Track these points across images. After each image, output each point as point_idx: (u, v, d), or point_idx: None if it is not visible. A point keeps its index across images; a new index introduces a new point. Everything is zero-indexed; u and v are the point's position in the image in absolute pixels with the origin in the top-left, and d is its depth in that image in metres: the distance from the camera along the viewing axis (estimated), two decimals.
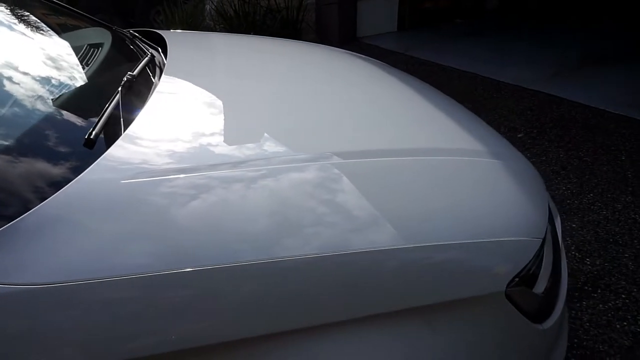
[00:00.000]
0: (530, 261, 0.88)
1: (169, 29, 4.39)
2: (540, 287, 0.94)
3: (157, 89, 1.14)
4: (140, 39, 1.62)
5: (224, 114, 1.11)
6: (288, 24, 4.71)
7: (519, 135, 2.89)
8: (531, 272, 0.90)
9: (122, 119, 0.97)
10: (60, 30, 1.41)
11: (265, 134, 1.05)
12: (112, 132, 0.93)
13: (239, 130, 1.05)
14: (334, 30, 4.88)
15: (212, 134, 1.00)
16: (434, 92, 1.66)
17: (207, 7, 4.63)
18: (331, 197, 0.84)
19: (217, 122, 1.07)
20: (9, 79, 0.96)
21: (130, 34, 1.67)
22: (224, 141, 0.97)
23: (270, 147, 0.98)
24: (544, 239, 0.93)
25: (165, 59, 1.41)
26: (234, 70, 1.44)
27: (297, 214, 0.79)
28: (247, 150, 0.96)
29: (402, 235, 0.79)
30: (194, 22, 4.36)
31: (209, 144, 0.96)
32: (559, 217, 1.24)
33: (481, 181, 1.00)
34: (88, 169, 0.78)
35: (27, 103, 0.93)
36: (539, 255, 0.93)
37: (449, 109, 1.44)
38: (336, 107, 1.26)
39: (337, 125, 1.14)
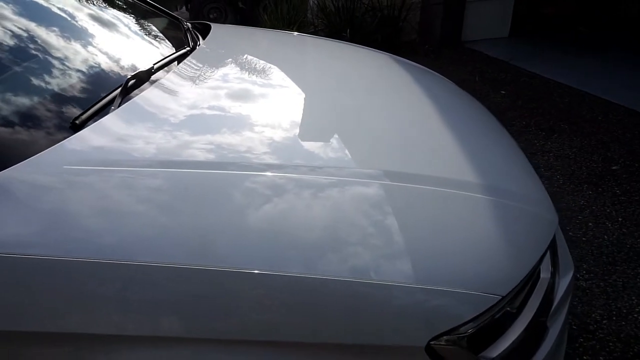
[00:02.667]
0: (475, 318, 0.76)
1: (273, 22, 4.58)
2: (496, 350, 0.81)
3: (160, 81, 1.20)
4: (192, 31, 1.71)
5: (213, 112, 1.13)
6: (388, 23, 4.61)
7: (613, 168, 2.49)
8: (482, 330, 0.78)
9: (112, 107, 1.04)
10: (118, 19, 1.55)
11: (255, 134, 1.04)
12: (94, 119, 1.00)
13: (220, 132, 1.05)
14: (435, 32, 4.67)
15: (194, 132, 1.03)
16: (481, 114, 1.51)
17: (310, 1, 4.72)
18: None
19: (204, 119, 1.10)
20: (38, 51, 1.09)
21: (186, 25, 1.78)
22: (194, 141, 0.99)
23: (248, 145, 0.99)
24: (506, 298, 0.79)
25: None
26: (259, 69, 1.45)
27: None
28: (226, 150, 0.97)
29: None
30: (294, 17, 4.48)
31: (187, 141, 0.99)
32: (572, 273, 1.05)
33: (454, 218, 0.89)
34: (44, 151, 0.85)
35: (37, 77, 1.04)
36: (499, 314, 0.80)
37: (484, 135, 1.30)
38: (372, 117, 1.24)
39: (381, 139, 1.14)
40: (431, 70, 1.91)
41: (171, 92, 1.19)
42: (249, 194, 0.85)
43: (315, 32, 4.64)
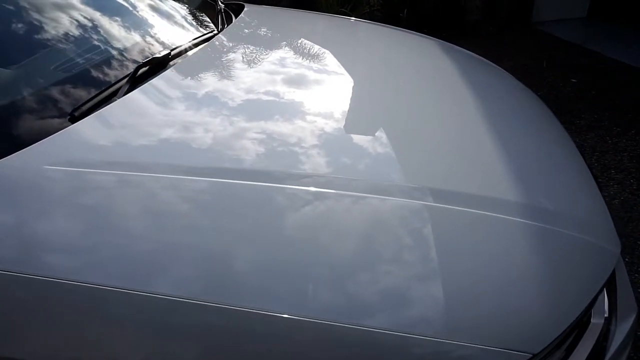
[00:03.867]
0: None
1: (328, 2, 4.41)
2: None
3: (172, 70, 1.11)
4: (223, 12, 1.61)
5: (230, 107, 1.03)
6: (449, 2, 4.29)
7: None
8: None
9: (115, 98, 0.97)
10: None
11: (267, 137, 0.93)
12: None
13: (231, 131, 0.95)
14: (501, 12, 4.28)
15: (198, 131, 0.93)
16: (538, 114, 1.30)
17: None
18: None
19: (215, 115, 0.99)
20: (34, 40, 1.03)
21: (220, 6, 1.68)
22: (202, 141, 0.89)
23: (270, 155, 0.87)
24: (539, 354, 0.64)
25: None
26: (284, 56, 1.33)
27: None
28: (231, 155, 0.87)
29: None
30: None
31: (183, 142, 0.89)
32: (634, 316, 0.86)
33: (486, 251, 0.73)
34: (27, 148, 0.78)
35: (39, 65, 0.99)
36: None
37: (537, 142, 1.11)
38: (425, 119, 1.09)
39: (435, 147, 0.97)
40: (487, 61, 1.69)
41: (182, 82, 1.10)
42: (271, 211, 0.73)
43: (371, 12, 4.41)
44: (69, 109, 0.90)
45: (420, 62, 1.48)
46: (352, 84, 1.21)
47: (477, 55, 1.72)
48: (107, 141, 0.86)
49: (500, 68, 1.65)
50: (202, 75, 1.15)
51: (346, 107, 1.07)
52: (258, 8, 1.75)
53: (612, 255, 0.82)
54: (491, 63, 1.68)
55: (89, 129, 0.87)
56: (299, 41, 1.49)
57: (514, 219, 0.78)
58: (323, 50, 1.40)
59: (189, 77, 1.12)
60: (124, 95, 0.98)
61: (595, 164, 2.28)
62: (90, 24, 1.17)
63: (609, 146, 2.42)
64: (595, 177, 1.07)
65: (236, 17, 1.58)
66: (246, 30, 1.51)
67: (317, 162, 0.85)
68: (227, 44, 1.35)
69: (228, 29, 1.46)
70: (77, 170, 0.77)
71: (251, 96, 1.07)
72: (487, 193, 0.83)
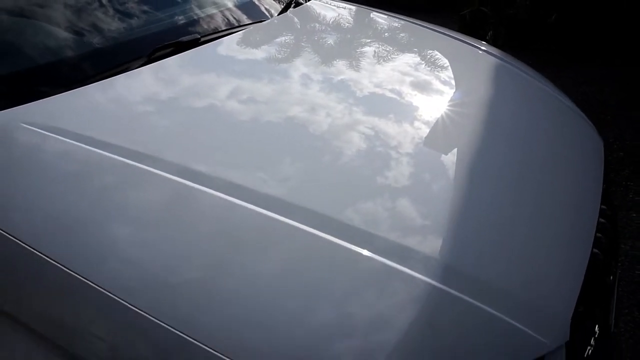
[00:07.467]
0: None
1: None
2: None
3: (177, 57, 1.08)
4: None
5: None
6: None
7: None
8: None
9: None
10: None
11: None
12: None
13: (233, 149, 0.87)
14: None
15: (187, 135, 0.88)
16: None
17: None
18: None
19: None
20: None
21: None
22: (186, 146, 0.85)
23: None
24: None
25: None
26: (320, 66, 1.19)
27: None
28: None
29: None
30: None
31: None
32: None
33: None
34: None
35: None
36: None
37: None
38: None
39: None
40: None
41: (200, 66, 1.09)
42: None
43: None
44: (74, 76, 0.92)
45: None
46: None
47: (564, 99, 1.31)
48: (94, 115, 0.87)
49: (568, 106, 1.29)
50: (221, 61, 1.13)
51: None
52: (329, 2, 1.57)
53: (538, 346, 0.62)
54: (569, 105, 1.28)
55: (85, 99, 0.87)
56: (357, 46, 1.32)
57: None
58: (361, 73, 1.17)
59: (210, 61, 1.11)
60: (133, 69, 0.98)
61: None
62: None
63: None
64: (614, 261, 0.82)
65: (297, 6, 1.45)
66: (293, 26, 1.38)
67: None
68: (261, 36, 1.26)
69: (274, 20, 1.35)
70: (46, 135, 0.76)
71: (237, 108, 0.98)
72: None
